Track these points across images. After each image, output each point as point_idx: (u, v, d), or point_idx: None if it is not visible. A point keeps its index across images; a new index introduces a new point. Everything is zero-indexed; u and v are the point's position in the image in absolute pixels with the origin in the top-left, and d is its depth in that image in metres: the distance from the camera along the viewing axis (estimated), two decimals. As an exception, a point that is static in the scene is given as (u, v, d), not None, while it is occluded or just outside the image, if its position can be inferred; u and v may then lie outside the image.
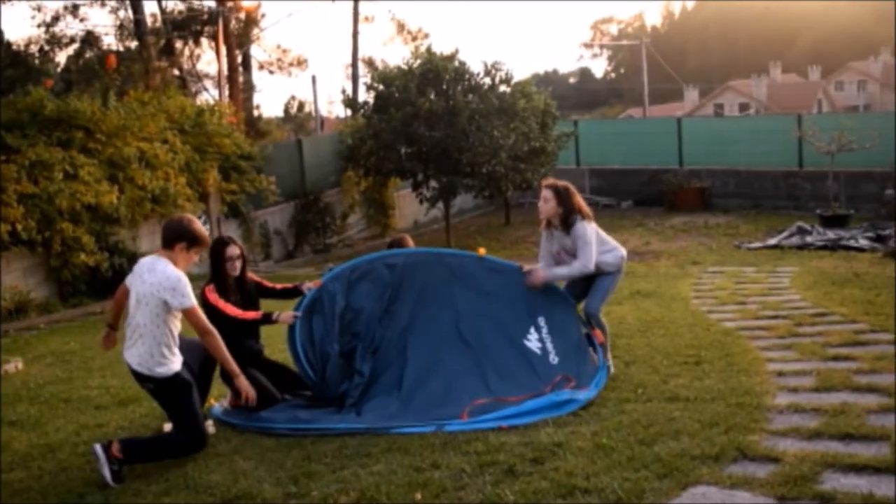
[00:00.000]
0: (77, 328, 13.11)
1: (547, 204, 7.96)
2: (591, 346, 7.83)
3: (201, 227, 6.41)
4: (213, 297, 7.33)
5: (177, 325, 6.28)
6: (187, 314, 6.14)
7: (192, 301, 6.13)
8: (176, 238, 6.24)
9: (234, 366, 6.37)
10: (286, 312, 7.45)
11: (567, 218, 7.87)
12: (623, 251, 8.13)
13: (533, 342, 7.57)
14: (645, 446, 5.82)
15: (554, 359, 7.52)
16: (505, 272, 8.02)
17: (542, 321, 7.73)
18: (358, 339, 7.41)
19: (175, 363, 6.25)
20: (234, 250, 7.55)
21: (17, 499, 5.80)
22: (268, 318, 7.47)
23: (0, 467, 6.48)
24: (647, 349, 8.81)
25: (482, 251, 8.12)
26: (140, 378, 6.25)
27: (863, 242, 17.13)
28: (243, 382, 6.44)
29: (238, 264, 7.50)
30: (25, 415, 7.96)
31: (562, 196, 7.92)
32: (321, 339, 7.32)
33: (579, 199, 7.98)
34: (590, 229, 7.87)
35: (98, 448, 6.02)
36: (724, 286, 12.74)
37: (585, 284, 8.10)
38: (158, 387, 6.24)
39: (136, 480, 5.94)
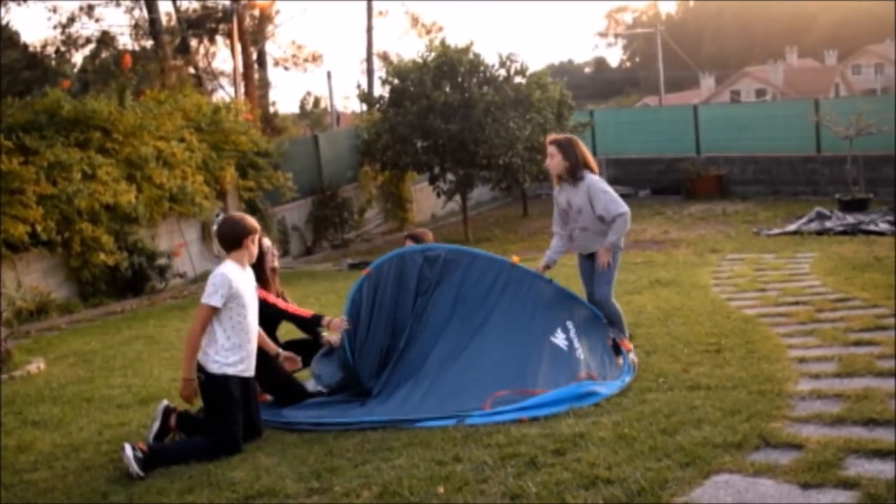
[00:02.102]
0: (98, 328, 13.17)
1: (553, 160, 8.10)
2: (618, 355, 7.82)
3: (248, 216, 6.74)
4: (262, 292, 7.36)
5: (238, 330, 6.42)
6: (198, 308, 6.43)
7: (206, 300, 6.35)
8: (239, 237, 6.54)
9: (190, 369, 6.37)
10: (337, 319, 7.49)
11: (575, 171, 7.95)
12: (626, 209, 8.11)
13: (560, 339, 7.56)
14: (667, 435, 5.81)
15: (580, 354, 7.50)
16: (535, 279, 8.08)
17: (570, 324, 7.74)
18: (397, 336, 7.50)
19: (226, 367, 6.38)
20: (267, 241, 7.66)
21: (41, 498, 5.83)
22: (317, 321, 7.62)
23: (24, 467, 6.53)
24: (667, 338, 8.79)
25: (516, 259, 8.17)
26: (197, 366, 6.43)
27: (883, 226, 17.01)
28: (188, 384, 6.39)
29: (276, 253, 7.64)
30: (48, 415, 8.01)
31: (565, 148, 8.05)
32: (364, 329, 7.43)
33: (584, 150, 8.10)
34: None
35: (126, 445, 6.16)
36: (743, 273, 12.69)
37: (590, 265, 8.14)
38: (206, 381, 6.38)
39: (160, 478, 5.96)
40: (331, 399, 7.32)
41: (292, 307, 7.64)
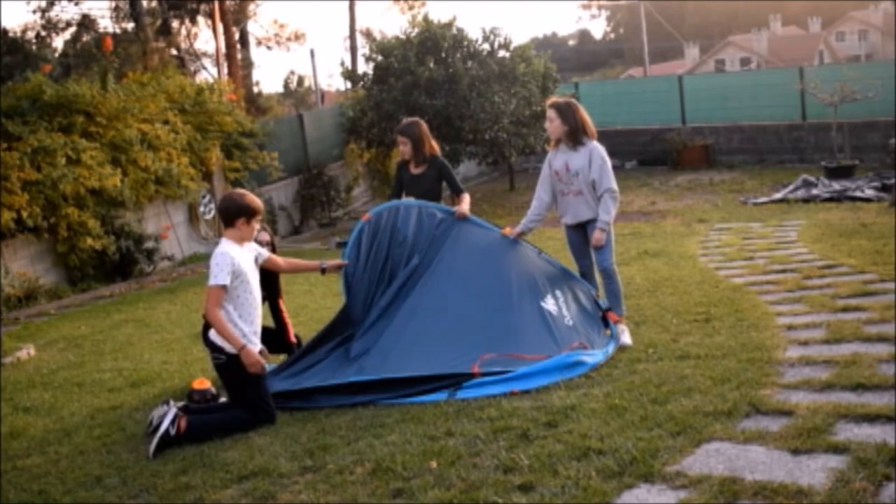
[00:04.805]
0: (87, 312, 13.15)
1: (552, 123, 8.04)
2: (606, 326, 7.88)
3: (252, 196, 6.71)
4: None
5: (246, 306, 6.52)
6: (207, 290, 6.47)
7: (213, 281, 6.37)
8: (233, 216, 6.56)
9: (238, 340, 6.39)
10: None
11: (575, 134, 7.91)
12: (616, 188, 8.01)
13: (549, 304, 7.64)
14: (658, 405, 5.84)
15: (569, 321, 7.58)
16: (526, 248, 8.25)
17: (559, 293, 7.85)
18: (389, 284, 7.65)
19: (247, 345, 6.43)
20: (264, 236, 7.62)
21: (35, 484, 5.84)
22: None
23: (17, 453, 6.53)
24: (656, 308, 8.82)
25: (508, 231, 8.22)
26: (212, 348, 6.50)
27: (869, 192, 17.06)
28: (249, 353, 6.41)
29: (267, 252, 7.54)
30: (40, 400, 8.01)
31: (564, 112, 7.99)
32: (361, 271, 7.64)
33: (584, 114, 8.02)
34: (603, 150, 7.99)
35: (170, 413, 6.30)
36: (731, 242, 12.73)
37: (584, 236, 8.11)
38: (227, 361, 6.44)
39: (153, 461, 5.98)
40: (315, 360, 7.36)
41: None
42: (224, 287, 6.38)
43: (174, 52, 37.13)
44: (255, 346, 6.54)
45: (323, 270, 7.57)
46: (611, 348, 7.43)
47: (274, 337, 7.77)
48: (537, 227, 8.49)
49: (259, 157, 19.77)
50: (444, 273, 7.72)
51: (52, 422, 7.28)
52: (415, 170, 8.57)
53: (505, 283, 7.72)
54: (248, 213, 6.57)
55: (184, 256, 17.97)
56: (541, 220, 8.37)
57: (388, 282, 7.65)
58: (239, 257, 6.49)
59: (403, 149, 8.56)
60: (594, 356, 7.14)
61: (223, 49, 32.50)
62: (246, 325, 6.50)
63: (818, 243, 11.77)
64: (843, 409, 5.41)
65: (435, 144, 8.62)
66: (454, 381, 6.72)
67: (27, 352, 10.25)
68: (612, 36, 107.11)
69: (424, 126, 8.60)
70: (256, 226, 6.71)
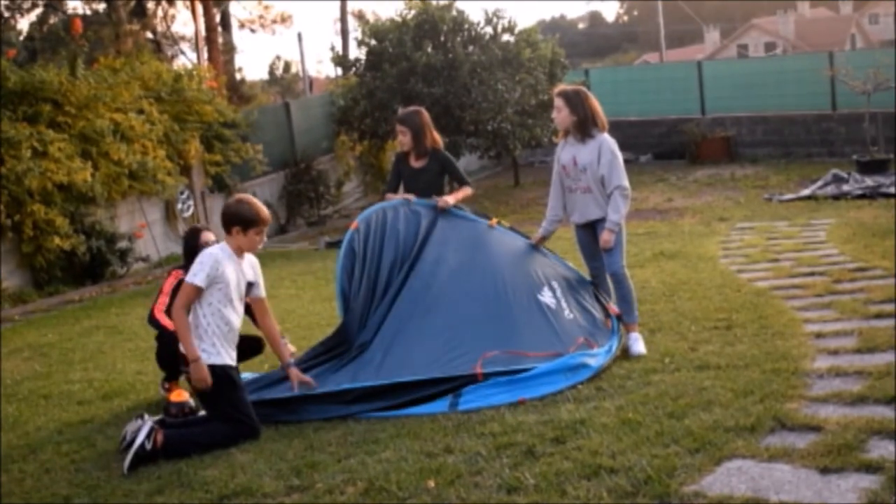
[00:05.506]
0: (54, 318, 13.14)
1: (560, 113, 8.02)
2: (607, 317, 8.00)
3: (254, 204, 6.62)
4: (160, 315, 7.56)
5: (216, 318, 6.48)
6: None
7: (189, 279, 6.41)
8: (227, 222, 6.56)
9: (194, 349, 6.38)
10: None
11: (584, 125, 7.90)
12: (627, 184, 7.96)
13: (547, 297, 7.72)
14: (674, 420, 5.84)
15: (569, 315, 7.72)
16: (516, 239, 8.39)
17: (554, 284, 7.98)
18: (384, 286, 7.73)
19: (215, 356, 6.46)
20: (208, 236, 7.60)
21: (-2, 504, 5.84)
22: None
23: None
24: (673, 314, 8.82)
25: (494, 222, 8.28)
26: (183, 360, 6.49)
27: (904, 189, 17.06)
28: (199, 367, 6.38)
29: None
30: (2, 414, 7.99)
31: (572, 101, 7.96)
32: (357, 284, 7.71)
33: (594, 103, 8.00)
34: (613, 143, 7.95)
35: (146, 426, 6.27)
36: (754, 243, 12.73)
37: (593, 236, 8.10)
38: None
39: (126, 480, 5.97)
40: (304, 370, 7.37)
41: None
42: (198, 289, 6.38)
43: (149, 35, 37.11)
44: (231, 360, 6.55)
45: (285, 370, 7.21)
46: (614, 345, 7.53)
47: (247, 342, 7.73)
48: (558, 227, 8.46)
49: (242, 150, 19.76)
50: (432, 270, 7.81)
51: (17, 437, 7.26)
52: (415, 163, 8.59)
53: (498, 277, 7.81)
54: (243, 222, 6.50)
55: (160, 257, 17.95)
56: (560, 221, 8.36)
57: (383, 296, 7.69)
58: (226, 265, 6.46)
59: (403, 139, 8.58)
60: (598, 357, 7.23)
61: (203, 32, 32.50)
62: (216, 339, 6.48)
63: (849, 244, 11.77)
64: (877, 424, 5.40)
65: (437, 137, 8.63)
66: (456, 383, 6.76)
67: (-11, 361, 10.25)
68: (626, 18, 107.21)
69: (427, 115, 8.62)
70: (258, 238, 6.59)
